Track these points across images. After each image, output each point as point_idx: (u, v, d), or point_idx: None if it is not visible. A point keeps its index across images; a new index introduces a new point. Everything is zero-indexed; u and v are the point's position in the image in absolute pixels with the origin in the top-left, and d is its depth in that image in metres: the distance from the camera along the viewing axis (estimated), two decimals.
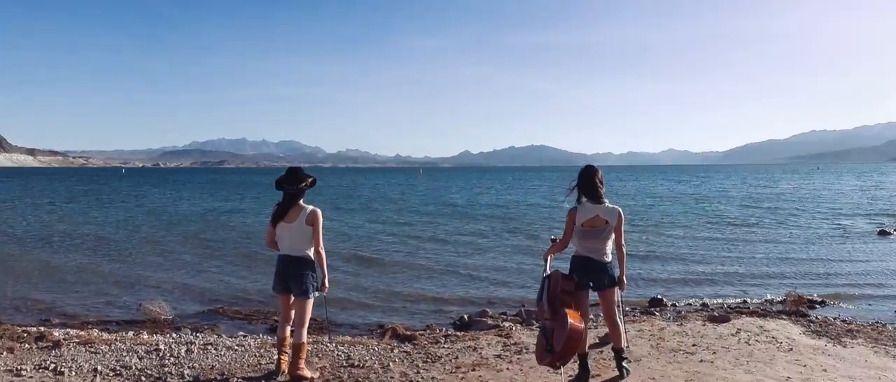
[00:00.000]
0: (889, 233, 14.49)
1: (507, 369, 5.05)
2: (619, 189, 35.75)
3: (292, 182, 4.70)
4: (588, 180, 4.70)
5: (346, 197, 30.75)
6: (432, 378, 4.81)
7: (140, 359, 5.16)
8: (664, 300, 8.66)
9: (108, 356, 5.26)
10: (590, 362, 4.79)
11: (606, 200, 4.69)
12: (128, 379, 4.68)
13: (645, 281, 9.83)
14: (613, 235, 4.72)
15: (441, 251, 13.09)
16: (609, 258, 4.74)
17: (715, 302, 8.68)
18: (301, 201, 4.73)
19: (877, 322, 7.44)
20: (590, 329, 5.27)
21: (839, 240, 14.03)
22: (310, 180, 4.77)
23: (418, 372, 4.92)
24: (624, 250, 4.82)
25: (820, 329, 6.61)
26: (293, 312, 4.81)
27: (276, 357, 4.94)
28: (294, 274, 4.71)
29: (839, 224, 15.61)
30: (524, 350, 5.50)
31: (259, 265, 11.64)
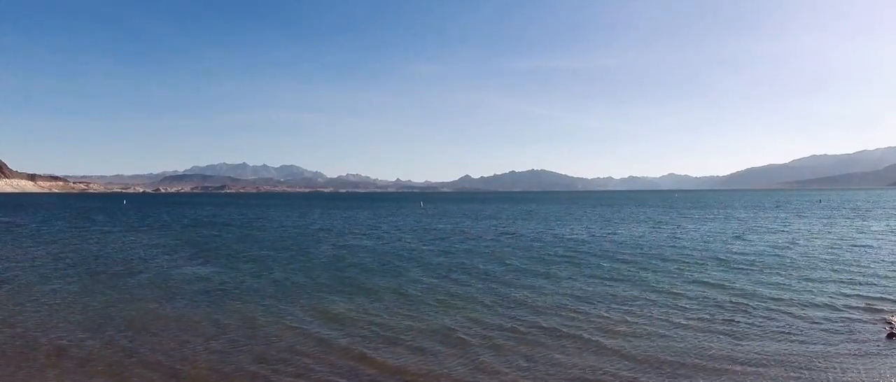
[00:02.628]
0: None
1: None
2: (518, 232, 35.21)
3: None
4: None
5: (334, 264, 30.34)
6: None
7: None
8: None
9: None
10: None
11: None
12: None
13: None
14: None
15: None
16: None
17: None
18: None
19: None
20: None
21: (843, 356, 11.05)
22: None
23: None
24: None
25: None
26: None
27: None
28: None
29: (838, 317, 14.20)
30: None
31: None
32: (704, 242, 29.03)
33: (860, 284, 17.31)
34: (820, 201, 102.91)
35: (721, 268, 20.20)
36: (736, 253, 24.44)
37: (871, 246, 26.41)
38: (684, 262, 21.67)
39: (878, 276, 18.57)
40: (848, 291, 16.29)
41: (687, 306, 14.33)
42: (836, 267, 20.26)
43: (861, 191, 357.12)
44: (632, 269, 20.13)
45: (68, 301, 15.39)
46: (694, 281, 17.64)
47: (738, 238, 31.10)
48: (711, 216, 54.66)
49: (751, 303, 14.66)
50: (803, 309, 14.16)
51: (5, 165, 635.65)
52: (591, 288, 16.63)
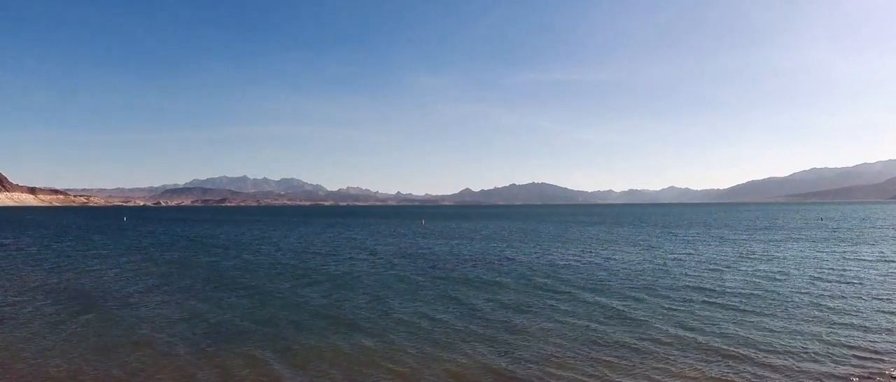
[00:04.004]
0: None
1: None
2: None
3: None
4: None
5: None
6: None
7: None
8: None
9: None
10: None
11: None
12: None
13: None
14: None
15: None
16: None
17: None
18: None
19: None
20: None
21: None
22: None
23: None
24: None
25: None
26: None
27: None
28: None
29: (832, 377, 13.31)
30: None
31: None
32: (693, 274, 28.31)
33: (855, 332, 16.44)
34: (821, 219, 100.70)
35: (708, 311, 19.40)
36: (725, 289, 23.68)
37: (863, 281, 25.62)
38: (669, 303, 20.91)
39: (873, 321, 17.75)
40: (842, 342, 15.41)
41: (670, 367, 13.50)
42: (827, 310, 19.42)
43: (862, 205, 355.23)
44: (616, 312, 19.40)
45: (10, 353, 14.70)
46: (678, 327, 16.87)
47: (725, 269, 30.33)
48: (703, 238, 53.94)
49: (737, 360, 13.84)
50: (793, 370, 13.33)
51: (6, 179, 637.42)
52: (574, 335, 15.94)
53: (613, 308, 20.27)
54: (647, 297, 22.21)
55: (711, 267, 31.32)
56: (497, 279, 27.40)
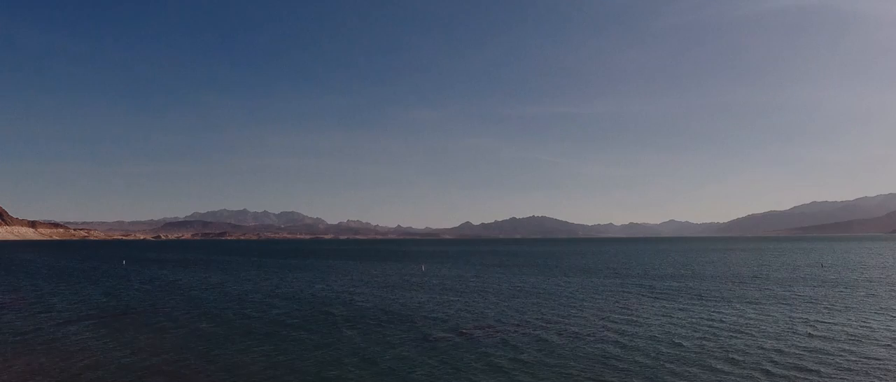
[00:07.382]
0: None
1: None
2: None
3: None
4: None
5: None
6: None
7: None
8: None
9: None
10: None
11: None
12: None
13: None
14: None
15: None
16: None
17: None
18: None
19: None
20: None
21: None
22: None
23: None
24: None
25: None
26: None
27: None
28: None
29: None
30: None
31: None
32: (664, 351, 28.97)
33: None
34: (822, 266, 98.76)
35: None
36: (675, 376, 24.37)
37: (830, 374, 26.23)
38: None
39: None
40: None
41: None
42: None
43: (861, 241, 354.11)
44: None
45: None
46: None
47: (687, 347, 30.91)
48: (681, 295, 53.99)
49: None
50: None
51: (6, 212, 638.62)
52: None
53: None
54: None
55: (677, 340, 31.91)
56: (485, 350, 28.07)
